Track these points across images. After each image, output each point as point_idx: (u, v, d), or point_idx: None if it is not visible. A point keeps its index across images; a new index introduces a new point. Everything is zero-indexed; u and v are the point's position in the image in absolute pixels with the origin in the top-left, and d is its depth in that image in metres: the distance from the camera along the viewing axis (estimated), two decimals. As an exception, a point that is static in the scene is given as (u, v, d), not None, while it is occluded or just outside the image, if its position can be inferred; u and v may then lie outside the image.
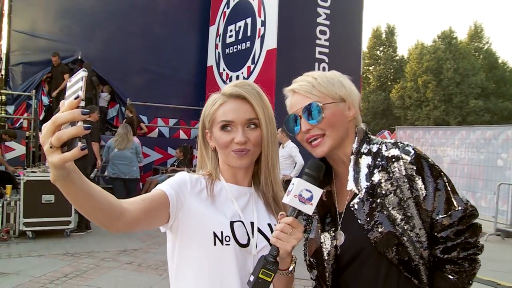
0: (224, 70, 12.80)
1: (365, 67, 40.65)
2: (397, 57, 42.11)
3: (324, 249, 1.40)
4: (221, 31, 13.10)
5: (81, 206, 1.05)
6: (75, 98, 0.89)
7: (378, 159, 1.36)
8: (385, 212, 1.28)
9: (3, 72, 12.28)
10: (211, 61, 13.49)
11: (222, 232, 1.30)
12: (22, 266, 5.48)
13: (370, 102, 39.16)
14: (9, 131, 9.57)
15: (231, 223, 1.33)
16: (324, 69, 10.56)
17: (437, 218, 1.29)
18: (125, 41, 12.27)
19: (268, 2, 11.03)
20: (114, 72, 12.13)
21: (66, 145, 0.90)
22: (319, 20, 11.11)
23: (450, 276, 1.30)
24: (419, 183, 1.30)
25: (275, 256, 1.23)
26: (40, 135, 0.91)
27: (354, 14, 11.99)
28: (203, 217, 1.32)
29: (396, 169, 1.31)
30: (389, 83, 41.25)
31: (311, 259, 1.46)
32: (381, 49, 42.12)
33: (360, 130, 1.44)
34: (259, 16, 11.36)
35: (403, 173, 1.30)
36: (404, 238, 1.27)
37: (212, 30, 13.54)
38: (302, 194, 1.25)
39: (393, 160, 1.33)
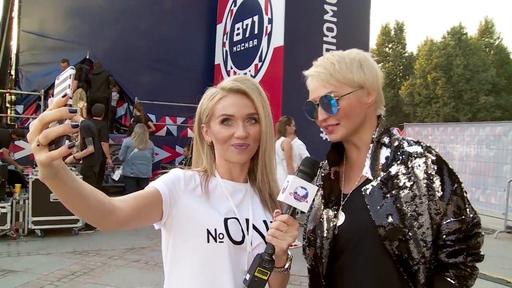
0: (231, 68, 12.80)
1: (374, 64, 40.35)
2: (406, 54, 41.84)
3: (324, 226, 1.40)
4: (228, 29, 13.10)
5: (70, 204, 1.04)
6: (63, 96, 0.89)
7: (398, 153, 1.36)
8: (397, 205, 1.28)
9: (12, 72, 12.43)
10: (218, 59, 13.50)
11: (215, 230, 1.29)
12: (31, 264, 5.53)
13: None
14: (18, 130, 9.65)
15: (225, 220, 1.32)
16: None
17: (449, 221, 1.29)
18: (133, 40, 12.32)
19: (275, 0, 11.01)
20: (122, 71, 12.20)
21: (54, 143, 0.90)
22: (326, 17, 11.05)
23: (451, 280, 1.30)
24: (437, 183, 1.29)
25: (271, 254, 1.22)
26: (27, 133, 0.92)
27: (361, 11, 11.92)
28: (197, 214, 1.31)
29: (417, 164, 1.31)
30: (398, 80, 41.01)
31: (310, 236, 1.46)
32: (390, 46, 41.88)
33: (383, 122, 1.44)
34: (266, 14, 11.34)
35: (424, 170, 1.30)
36: (410, 234, 1.26)
37: (220, 28, 13.54)
38: (297, 192, 1.24)
39: (415, 156, 1.33)
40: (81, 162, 7.59)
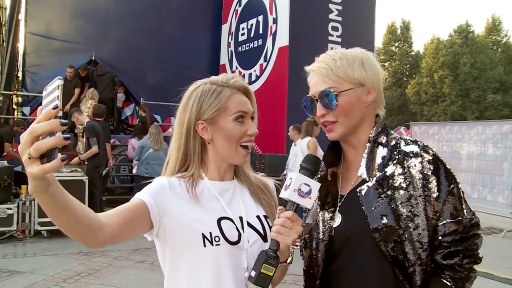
0: (236, 68, 12.81)
1: (380, 63, 39.02)
2: (413, 53, 41.64)
3: (320, 228, 1.40)
4: (233, 29, 13.11)
5: (58, 219, 1.02)
6: (54, 108, 0.88)
7: (395, 152, 1.34)
8: (392, 205, 1.27)
9: (19, 74, 12.51)
10: (224, 59, 13.51)
11: (210, 233, 1.28)
12: (37, 265, 5.56)
13: (385, 98, 38.39)
14: (18, 121, 9.73)
15: (219, 222, 1.31)
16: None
17: (445, 222, 1.28)
18: (139, 41, 12.34)
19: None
20: (128, 72, 12.22)
21: (46, 156, 0.89)
22: (331, 16, 11.03)
23: (447, 282, 1.28)
24: (433, 183, 1.28)
25: (275, 251, 1.23)
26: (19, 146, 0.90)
27: (366, 10, 11.88)
28: (189, 220, 1.29)
29: (413, 164, 1.29)
30: (405, 79, 40.80)
31: (306, 237, 1.45)
32: (396, 44, 41.69)
33: (380, 121, 1.42)
34: (271, 14, 11.33)
35: (419, 170, 1.28)
36: (405, 235, 1.25)
37: (225, 28, 13.56)
38: (301, 188, 1.25)
39: (411, 155, 1.31)
40: (86, 163, 7.60)
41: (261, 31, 11.73)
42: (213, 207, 1.34)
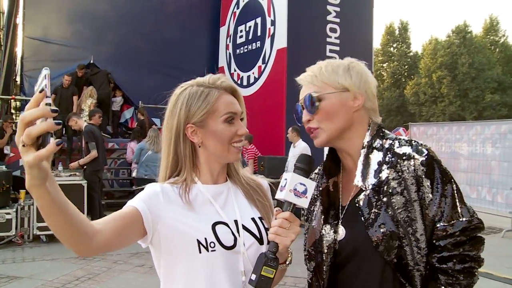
0: (235, 70, 12.81)
1: (378, 64, 40.34)
2: (411, 53, 41.69)
3: (324, 242, 1.37)
4: (231, 31, 13.11)
5: (53, 219, 1.00)
6: (40, 92, 0.87)
7: (389, 155, 1.31)
8: (389, 212, 1.24)
9: (17, 78, 12.50)
10: (222, 62, 13.52)
11: (205, 239, 1.26)
12: (35, 270, 5.54)
13: (384, 99, 38.81)
14: (6, 116, 9.73)
15: (213, 227, 1.29)
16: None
17: (439, 225, 1.24)
18: (137, 44, 12.36)
19: (278, 1, 11.01)
20: (126, 75, 12.23)
21: (41, 144, 0.88)
22: (329, 18, 11.04)
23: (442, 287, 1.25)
24: (427, 186, 1.24)
25: (274, 252, 1.22)
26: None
27: (364, 11, 11.90)
28: (183, 226, 1.27)
29: (406, 168, 1.26)
30: (403, 80, 40.85)
31: (310, 250, 1.43)
32: (394, 45, 41.74)
33: (374, 124, 1.39)
34: (269, 16, 11.34)
35: (412, 174, 1.25)
36: (405, 241, 1.23)
37: (223, 31, 13.57)
38: (297, 188, 1.24)
39: (404, 158, 1.27)
40: (85, 167, 7.58)
41: (259, 33, 11.74)
42: (207, 212, 1.32)
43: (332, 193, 1.44)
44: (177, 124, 1.33)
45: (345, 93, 1.35)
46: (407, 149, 1.29)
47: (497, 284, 5.43)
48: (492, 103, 34.12)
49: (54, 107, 0.87)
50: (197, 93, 1.33)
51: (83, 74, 11.25)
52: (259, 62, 11.61)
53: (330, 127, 1.35)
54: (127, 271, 5.63)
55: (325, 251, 1.36)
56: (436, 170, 1.26)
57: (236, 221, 1.34)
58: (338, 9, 11.12)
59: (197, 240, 1.25)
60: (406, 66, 41.18)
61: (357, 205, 1.31)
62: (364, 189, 1.31)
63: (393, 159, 1.29)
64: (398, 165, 1.27)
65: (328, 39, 10.97)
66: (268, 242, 1.34)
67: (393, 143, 1.33)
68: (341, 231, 1.35)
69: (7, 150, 9.18)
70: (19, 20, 12.14)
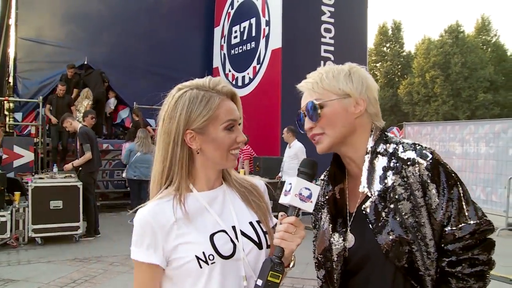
0: (230, 71, 12.81)
1: (372, 64, 40.44)
2: (404, 53, 41.85)
3: (334, 250, 1.37)
4: (226, 32, 13.11)
5: None
6: None
7: (393, 160, 1.30)
8: (397, 219, 1.23)
9: (11, 79, 12.42)
10: (216, 62, 13.51)
11: (204, 253, 1.23)
12: (31, 273, 5.50)
13: (378, 99, 38.84)
14: None
15: (211, 238, 1.26)
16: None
17: (447, 230, 1.23)
18: (131, 45, 12.32)
19: (272, 2, 11.02)
20: (121, 76, 12.18)
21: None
22: (324, 18, 11.07)
23: None
24: (433, 191, 1.23)
25: (280, 257, 1.23)
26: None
27: (358, 11, 11.94)
28: (181, 245, 1.25)
29: (411, 173, 1.25)
30: (397, 79, 41.00)
31: (320, 257, 1.43)
32: (387, 45, 41.89)
33: (377, 128, 1.38)
34: (264, 16, 11.35)
35: (418, 179, 1.24)
36: (414, 247, 1.22)
37: (217, 31, 13.56)
38: (302, 193, 1.24)
39: (409, 163, 1.26)
40: (80, 169, 7.54)
41: (254, 34, 11.74)
42: (204, 221, 1.30)
43: (339, 200, 1.43)
44: (176, 129, 1.29)
45: (346, 99, 1.35)
46: (411, 154, 1.28)
47: (492, 282, 5.40)
48: (485, 102, 34.34)
49: None
50: (198, 97, 1.29)
51: (73, 75, 11.11)
52: (254, 63, 11.62)
53: (332, 134, 1.35)
54: (124, 273, 5.60)
55: (335, 259, 1.36)
56: (441, 173, 1.25)
57: (234, 227, 1.32)
58: (332, 9, 11.15)
59: (196, 256, 1.23)
60: (400, 66, 41.34)
61: (364, 212, 1.31)
62: (370, 195, 1.31)
63: (397, 164, 1.28)
64: (403, 171, 1.26)
65: (323, 39, 11.00)
66: (267, 246, 1.35)
67: (397, 148, 1.33)
68: (350, 238, 1.35)
69: (0, 152, 9.10)
70: (12, 21, 12.06)
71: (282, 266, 1.22)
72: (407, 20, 69.20)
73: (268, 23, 11.16)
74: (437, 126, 12.08)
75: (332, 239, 1.38)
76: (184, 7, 13.47)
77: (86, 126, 7.78)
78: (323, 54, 10.89)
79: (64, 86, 10.30)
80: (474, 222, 1.24)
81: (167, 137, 1.30)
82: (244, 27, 12.17)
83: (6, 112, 12.62)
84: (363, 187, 1.32)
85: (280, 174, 8.55)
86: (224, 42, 13.20)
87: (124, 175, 9.26)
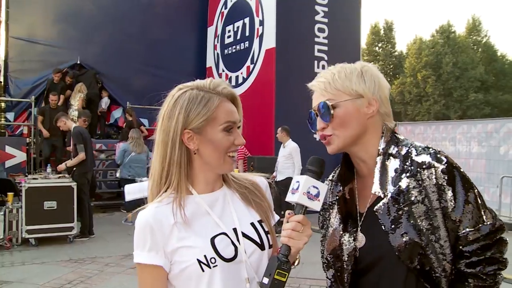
0: (223, 70, 12.79)
1: (364, 64, 40.48)
2: (396, 53, 42.00)
3: (344, 250, 1.37)
4: (219, 31, 13.09)
5: None
6: None
7: (407, 163, 1.30)
8: (411, 221, 1.24)
9: (1, 79, 12.29)
10: (210, 62, 13.49)
11: (205, 256, 1.23)
12: (26, 274, 5.45)
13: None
14: None
15: (212, 241, 1.26)
16: (323, 67, 10.55)
17: (464, 231, 1.25)
18: (124, 44, 12.23)
19: (266, 2, 11.02)
20: (114, 76, 12.16)
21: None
22: (317, 18, 11.09)
23: None
24: (449, 194, 1.24)
25: (287, 256, 1.23)
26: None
27: (352, 11, 11.98)
28: (182, 249, 1.25)
29: (426, 177, 1.25)
30: (389, 79, 41.11)
31: (329, 258, 1.42)
32: (379, 45, 42.03)
33: (387, 129, 1.38)
34: (257, 16, 11.34)
35: (434, 182, 1.25)
36: (428, 249, 1.23)
37: (211, 31, 13.54)
38: (310, 191, 1.24)
39: (424, 167, 1.27)
40: (74, 169, 7.49)
41: (247, 33, 11.74)
42: (205, 224, 1.29)
43: (348, 200, 1.43)
44: (175, 128, 1.28)
45: (359, 99, 1.35)
46: (426, 158, 1.28)
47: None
48: (476, 102, 34.59)
49: None
50: (197, 98, 1.28)
51: (59, 80, 10.99)
52: (248, 62, 11.61)
53: (344, 134, 1.35)
54: (120, 274, 5.57)
55: (346, 259, 1.36)
56: (457, 177, 1.26)
57: (235, 229, 1.31)
58: (326, 9, 11.16)
59: (197, 260, 1.23)
60: (391, 66, 41.50)
61: (376, 213, 1.31)
62: (383, 197, 1.31)
63: (412, 167, 1.28)
64: (419, 174, 1.27)
65: (317, 39, 11.01)
66: (270, 246, 1.35)
67: (409, 151, 1.32)
68: (361, 238, 1.35)
69: None
70: (3, 19, 11.93)
71: (288, 264, 1.22)
72: (399, 20, 69.65)
73: (262, 23, 11.16)
74: (430, 126, 12.17)
75: (342, 239, 1.38)
76: (177, 6, 13.43)
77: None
78: (316, 54, 10.90)
79: (56, 96, 10.17)
80: (490, 223, 1.27)
81: (166, 136, 1.30)
82: (238, 27, 12.16)
83: (-3, 112, 12.50)
84: (375, 188, 1.32)
85: (274, 174, 8.55)
86: (218, 42, 13.18)
87: (117, 175, 9.29)
